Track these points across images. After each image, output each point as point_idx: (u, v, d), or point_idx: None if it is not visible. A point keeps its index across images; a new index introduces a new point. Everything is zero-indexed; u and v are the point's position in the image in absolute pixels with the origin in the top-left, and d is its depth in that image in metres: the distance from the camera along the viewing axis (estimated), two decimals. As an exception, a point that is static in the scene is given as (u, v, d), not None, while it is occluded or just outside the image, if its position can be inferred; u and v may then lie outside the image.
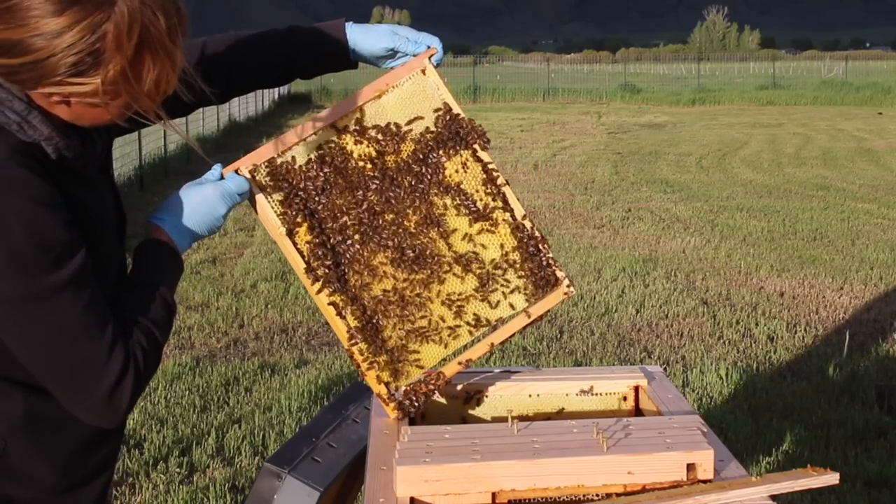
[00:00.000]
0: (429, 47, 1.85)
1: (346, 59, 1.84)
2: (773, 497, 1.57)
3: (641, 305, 6.67)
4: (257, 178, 1.76)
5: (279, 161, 1.77)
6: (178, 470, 4.05)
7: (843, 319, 6.37)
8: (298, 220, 1.77)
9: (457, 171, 1.84)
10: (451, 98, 1.85)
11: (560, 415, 1.96)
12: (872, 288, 7.17)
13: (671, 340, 5.93)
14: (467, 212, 1.84)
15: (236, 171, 1.73)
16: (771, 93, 33.26)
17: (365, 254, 1.79)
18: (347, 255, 1.79)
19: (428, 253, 1.81)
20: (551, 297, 1.86)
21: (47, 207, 1.35)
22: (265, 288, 7.08)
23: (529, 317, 1.86)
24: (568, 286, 1.88)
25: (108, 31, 1.29)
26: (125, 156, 11.74)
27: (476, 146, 1.85)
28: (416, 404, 1.81)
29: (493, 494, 1.54)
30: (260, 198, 1.75)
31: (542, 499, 1.57)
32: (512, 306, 1.85)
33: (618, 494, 1.57)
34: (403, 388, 1.81)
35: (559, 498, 1.57)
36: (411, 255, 1.80)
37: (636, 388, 2.00)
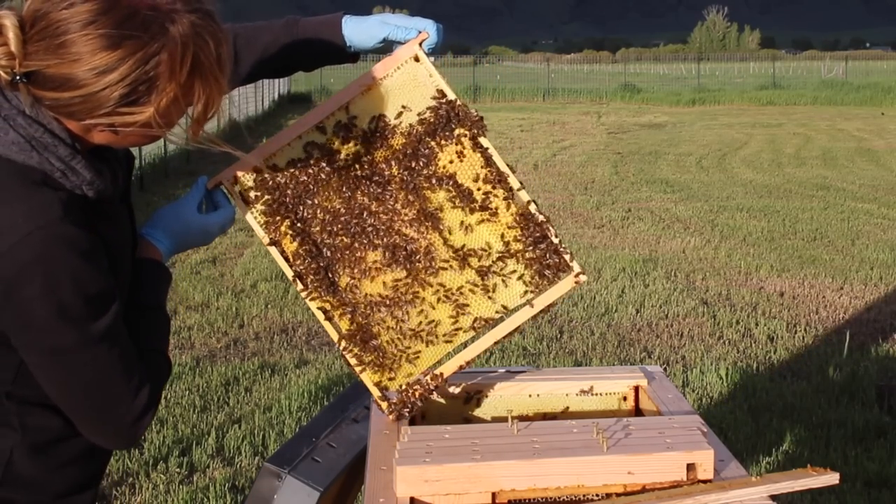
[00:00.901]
0: (419, 32, 1.75)
1: (344, 54, 1.81)
2: (773, 497, 1.57)
3: (641, 305, 6.67)
4: (241, 188, 1.74)
5: (263, 169, 1.74)
6: (178, 470, 4.05)
7: (843, 319, 6.37)
8: (283, 228, 1.75)
9: (451, 162, 1.76)
10: (444, 84, 1.76)
11: (560, 415, 1.96)
12: (872, 288, 7.17)
13: (671, 340, 5.93)
14: (464, 203, 1.75)
15: (220, 185, 1.73)
16: (771, 93, 33.25)
17: (355, 255, 1.76)
18: (336, 258, 1.76)
19: (422, 249, 1.75)
20: (560, 285, 1.75)
21: (93, 260, 1.38)
22: (265, 288, 7.08)
23: (533, 308, 1.75)
24: (578, 273, 1.75)
25: (162, 61, 1.30)
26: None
27: (474, 132, 1.75)
28: (412, 405, 1.77)
29: (493, 494, 1.54)
30: (243, 209, 1.74)
31: (542, 499, 1.57)
32: (515, 299, 1.77)
33: (618, 494, 1.57)
34: (399, 388, 1.78)
35: (559, 498, 1.57)
36: (404, 252, 1.75)
37: (636, 388, 1.99)
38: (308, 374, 5.23)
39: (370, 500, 1.54)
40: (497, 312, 1.77)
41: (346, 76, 24.93)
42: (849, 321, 6.32)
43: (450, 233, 1.77)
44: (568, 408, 1.97)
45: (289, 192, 1.75)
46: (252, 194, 1.75)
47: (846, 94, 32.38)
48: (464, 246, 1.76)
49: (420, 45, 1.76)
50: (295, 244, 1.76)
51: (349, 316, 1.77)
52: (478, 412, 1.95)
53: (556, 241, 1.76)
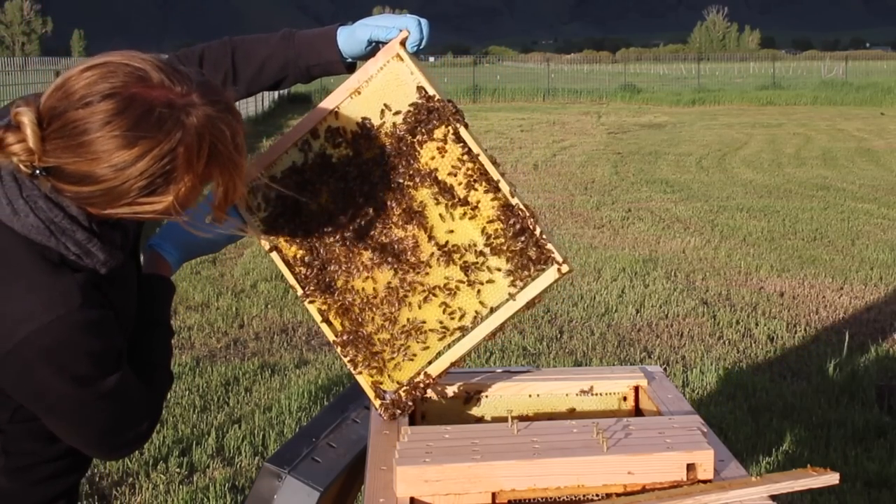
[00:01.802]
0: (401, 31, 1.73)
1: (340, 67, 1.82)
2: (773, 497, 1.57)
3: (641, 305, 6.67)
4: (245, 198, 1.76)
5: (264, 179, 1.79)
6: (178, 470, 4.05)
7: (843, 319, 6.37)
8: (284, 234, 1.80)
9: (433, 158, 1.75)
10: (425, 80, 1.74)
11: (560, 415, 1.96)
12: (872, 288, 7.16)
13: (671, 340, 5.93)
14: (446, 199, 1.75)
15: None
16: (771, 93, 33.25)
17: (350, 256, 1.79)
18: (332, 260, 1.80)
19: (409, 249, 1.77)
20: (543, 278, 1.73)
21: (107, 334, 1.43)
22: (265, 288, 7.08)
23: (516, 301, 1.74)
24: (562, 264, 1.71)
25: (179, 154, 1.32)
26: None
27: (454, 127, 1.73)
28: (404, 406, 1.80)
29: (493, 494, 1.54)
30: (247, 219, 1.80)
31: (542, 499, 1.57)
32: (500, 293, 1.75)
33: (618, 494, 1.57)
34: (394, 388, 1.80)
35: (559, 498, 1.57)
36: (392, 252, 1.78)
37: (636, 389, 2.00)
38: (308, 374, 5.23)
39: (370, 500, 1.54)
40: (483, 308, 1.76)
41: (346, 77, 24.81)
42: (849, 321, 6.32)
43: (435, 230, 1.77)
44: (568, 408, 1.97)
45: (288, 199, 1.79)
46: (254, 203, 1.81)
47: (846, 94, 32.38)
48: (447, 242, 1.77)
49: (402, 43, 1.75)
50: (293, 249, 1.81)
51: (346, 316, 1.80)
52: (478, 412, 1.95)
53: (537, 232, 1.72)
